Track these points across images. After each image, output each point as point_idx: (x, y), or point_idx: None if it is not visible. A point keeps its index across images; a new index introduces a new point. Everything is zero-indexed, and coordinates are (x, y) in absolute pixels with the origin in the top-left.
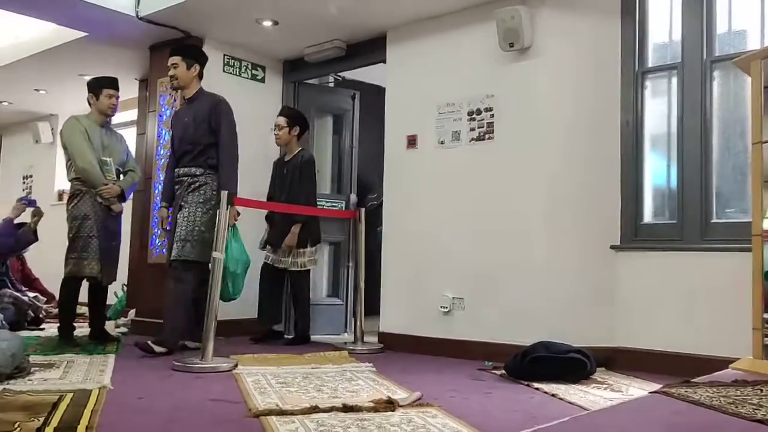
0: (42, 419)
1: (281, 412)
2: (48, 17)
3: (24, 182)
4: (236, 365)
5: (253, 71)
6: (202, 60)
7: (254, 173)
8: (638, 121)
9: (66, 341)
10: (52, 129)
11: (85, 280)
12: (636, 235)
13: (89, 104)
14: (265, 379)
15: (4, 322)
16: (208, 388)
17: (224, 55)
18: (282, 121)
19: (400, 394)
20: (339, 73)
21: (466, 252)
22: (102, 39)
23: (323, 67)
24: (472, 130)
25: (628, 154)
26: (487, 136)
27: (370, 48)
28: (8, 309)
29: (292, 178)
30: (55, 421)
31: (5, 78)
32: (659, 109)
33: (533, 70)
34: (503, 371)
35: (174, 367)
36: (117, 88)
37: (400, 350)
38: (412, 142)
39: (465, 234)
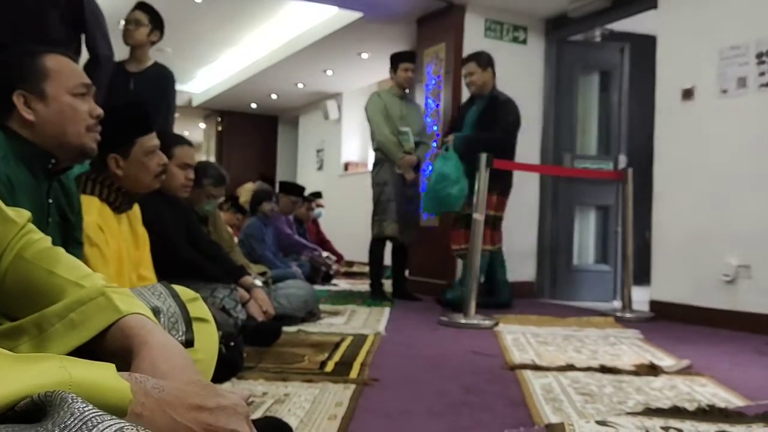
0: (326, 355)
1: (536, 367)
2: (329, 1)
3: (317, 155)
4: (497, 323)
5: (515, 33)
6: None
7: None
8: None
9: (377, 296)
10: (339, 106)
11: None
12: None
13: (391, 78)
14: (524, 337)
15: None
16: (469, 342)
17: (486, 19)
18: (143, 17)
19: (666, 362)
20: (606, 26)
21: (753, 215)
22: (375, 17)
23: (588, 21)
24: (762, 74)
25: None
26: None
27: None
28: (305, 265)
29: (145, 94)
30: (336, 357)
31: (299, 62)
32: None
33: None
34: None
35: (440, 321)
36: (413, 61)
37: (672, 320)
38: (688, 93)
39: (752, 194)
